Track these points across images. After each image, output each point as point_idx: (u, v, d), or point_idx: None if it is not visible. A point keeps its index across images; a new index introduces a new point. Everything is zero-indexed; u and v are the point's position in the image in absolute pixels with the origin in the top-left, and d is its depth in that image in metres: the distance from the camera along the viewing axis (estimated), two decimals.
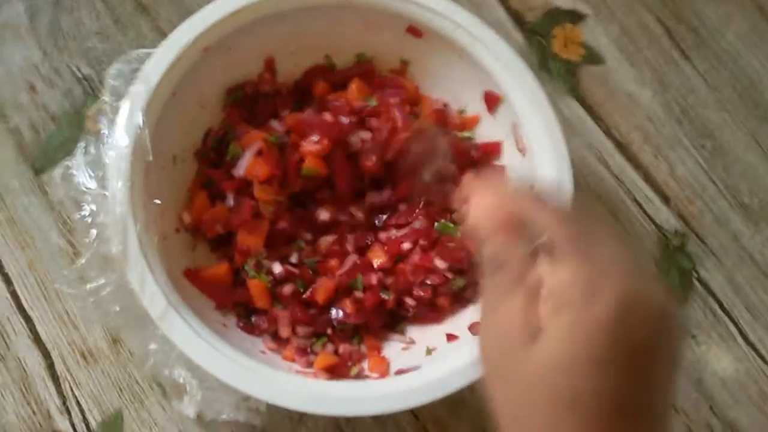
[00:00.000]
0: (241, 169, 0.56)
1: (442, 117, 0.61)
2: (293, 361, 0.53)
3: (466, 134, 0.61)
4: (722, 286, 0.67)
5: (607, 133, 0.70)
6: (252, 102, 0.59)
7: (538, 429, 0.32)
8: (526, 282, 0.33)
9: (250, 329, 0.54)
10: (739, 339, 0.66)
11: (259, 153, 0.55)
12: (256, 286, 0.55)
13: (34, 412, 0.58)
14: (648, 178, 0.69)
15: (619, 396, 0.31)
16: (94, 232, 0.48)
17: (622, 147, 0.70)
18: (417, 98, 0.63)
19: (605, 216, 0.40)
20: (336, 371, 0.52)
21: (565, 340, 0.31)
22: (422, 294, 0.55)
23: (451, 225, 0.57)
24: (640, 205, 0.68)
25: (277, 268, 0.55)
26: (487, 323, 0.36)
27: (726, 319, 0.66)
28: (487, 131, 0.61)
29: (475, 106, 0.61)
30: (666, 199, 0.69)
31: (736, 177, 0.70)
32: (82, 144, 0.52)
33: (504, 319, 0.34)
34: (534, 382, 0.32)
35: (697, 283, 0.67)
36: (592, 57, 0.72)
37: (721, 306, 0.67)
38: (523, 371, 0.32)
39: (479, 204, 0.37)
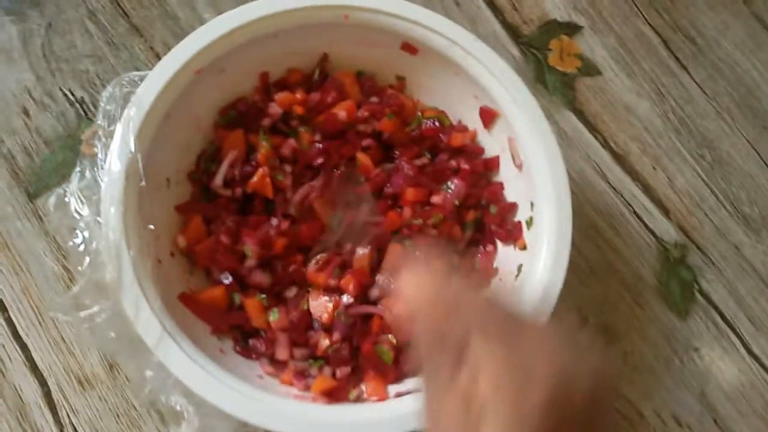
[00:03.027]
0: (219, 180, 0.56)
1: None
2: (291, 385, 0.52)
3: None
4: (724, 298, 0.66)
5: (605, 144, 0.70)
6: (244, 118, 0.59)
7: None
8: (464, 363, 0.34)
9: (248, 353, 0.54)
10: (743, 351, 0.65)
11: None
12: (252, 305, 0.54)
13: None
14: (647, 190, 0.69)
15: None
16: (87, 259, 0.48)
17: (620, 159, 0.69)
18: (415, 112, 0.62)
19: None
20: (334, 395, 0.51)
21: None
22: None
23: (386, 349, 0.54)
24: (639, 217, 0.68)
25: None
26: (433, 415, 0.36)
27: (728, 330, 0.66)
28: (483, 146, 0.61)
29: (471, 121, 0.60)
30: (665, 211, 0.68)
31: (736, 187, 0.70)
32: (78, 168, 0.52)
33: (450, 412, 0.34)
34: None
35: (698, 295, 0.66)
36: (589, 69, 0.72)
37: (723, 318, 0.66)
38: None
39: (411, 281, 0.37)
